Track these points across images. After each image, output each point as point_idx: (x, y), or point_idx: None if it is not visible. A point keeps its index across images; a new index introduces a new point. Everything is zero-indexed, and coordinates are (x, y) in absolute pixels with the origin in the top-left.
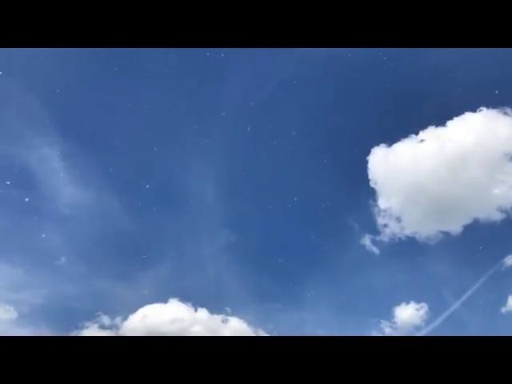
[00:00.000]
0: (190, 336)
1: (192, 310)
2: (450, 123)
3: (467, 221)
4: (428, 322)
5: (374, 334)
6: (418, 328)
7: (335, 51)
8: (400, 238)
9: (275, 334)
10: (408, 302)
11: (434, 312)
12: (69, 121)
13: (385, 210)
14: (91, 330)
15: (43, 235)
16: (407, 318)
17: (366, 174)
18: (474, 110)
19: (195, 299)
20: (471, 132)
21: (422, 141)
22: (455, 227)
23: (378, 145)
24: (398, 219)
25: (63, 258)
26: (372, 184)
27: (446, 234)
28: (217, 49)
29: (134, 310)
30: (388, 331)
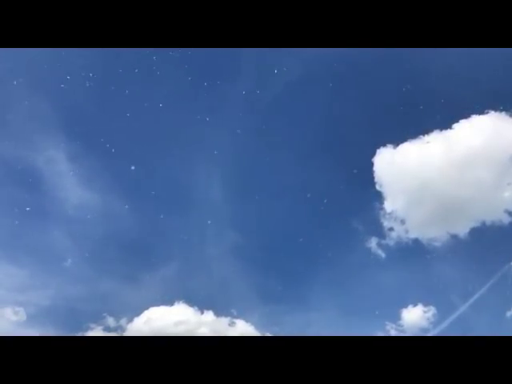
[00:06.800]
0: (194, 336)
1: (198, 312)
2: (456, 125)
3: (474, 223)
4: (435, 324)
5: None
6: (424, 331)
7: (339, 51)
8: (407, 242)
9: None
10: (415, 305)
11: (441, 315)
12: (75, 123)
13: (390, 213)
14: (95, 332)
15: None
16: (414, 320)
17: (372, 177)
18: (481, 113)
19: (201, 301)
20: (478, 134)
21: (428, 142)
22: (463, 230)
23: (383, 146)
24: (405, 222)
25: (70, 260)
26: (377, 186)
27: (454, 236)
28: (222, 49)
29: (139, 312)
30: (394, 334)
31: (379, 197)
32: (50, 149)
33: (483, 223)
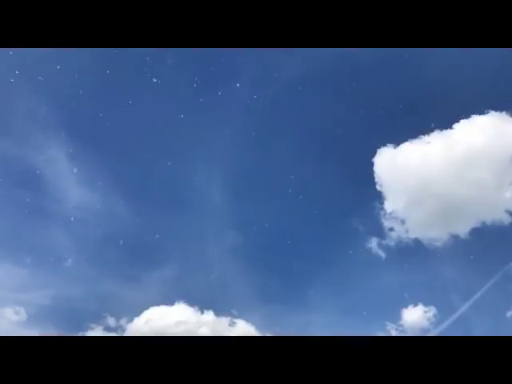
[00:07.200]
0: (194, 336)
1: (198, 312)
2: (457, 125)
3: (475, 223)
4: (436, 324)
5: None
6: (425, 331)
7: (339, 51)
8: (407, 242)
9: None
10: (416, 305)
11: (442, 315)
12: (77, 122)
13: (391, 213)
14: (95, 332)
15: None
16: (414, 320)
17: (372, 177)
18: (481, 113)
19: (201, 301)
20: (478, 134)
21: (428, 142)
22: (463, 230)
23: (384, 145)
24: (405, 222)
25: (70, 260)
26: (378, 186)
27: (454, 236)
28: (221, 49)
29: (139, 312)
30: (394, 334)
31: (379, 197)
32: (52, 148)
33: (483, 223)
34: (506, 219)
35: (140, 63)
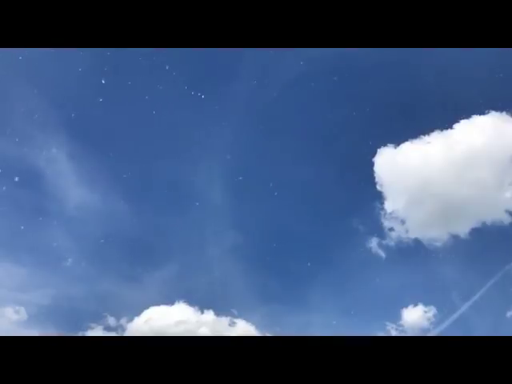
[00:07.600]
0: (194, 336)
1: (198, 312)
2: (457, 125)
3: (475, 223)
4: (436, 324)
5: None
6: (425, 331)
7: (340, 51)
8: (407, 242)
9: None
10: (416, 305)
11: (442, 315)
12: (77, 122)
13: (391, 213)
14: (96, 332)
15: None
16: (414, 320)
17: (372, 177)
18: (481, 113)
19: (201, 301)
20: (479, 134)
21: (429, 142)
22: (463, 230)
23: (384, 145)
24: (405, 222)
25: (70, 260)
26: (378, 186)
27: (454, 236)
28: (223, 49)
29: (139, 311)
30: (394, 334)
31: (379, 197)
32: (52, 148)
33: (483, 223)
34: (506, 219)
35: (138, 62)
